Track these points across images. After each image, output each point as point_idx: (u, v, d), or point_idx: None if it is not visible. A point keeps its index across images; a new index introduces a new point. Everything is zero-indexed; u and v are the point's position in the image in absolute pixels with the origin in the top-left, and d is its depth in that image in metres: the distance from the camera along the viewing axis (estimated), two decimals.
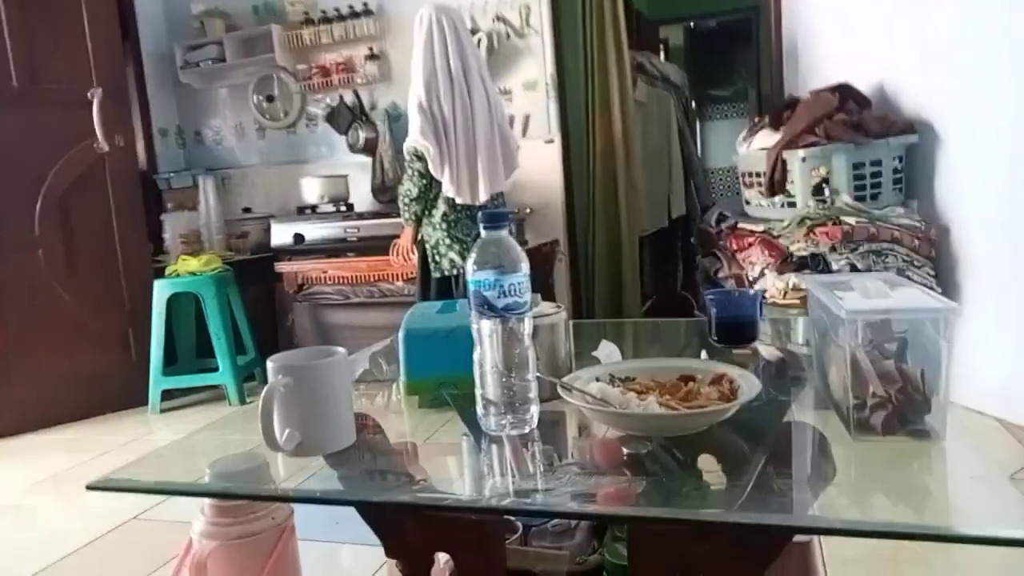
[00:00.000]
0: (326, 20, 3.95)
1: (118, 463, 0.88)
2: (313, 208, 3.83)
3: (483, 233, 0.91)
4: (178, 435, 3.02)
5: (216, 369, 3.32)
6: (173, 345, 3.48)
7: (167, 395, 3.34)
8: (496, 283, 0.88)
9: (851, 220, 2.52)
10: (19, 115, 3.15)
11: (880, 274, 0.96)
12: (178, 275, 3.34)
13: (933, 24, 2.62)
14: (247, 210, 4.18)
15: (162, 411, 3.30)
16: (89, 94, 3.28)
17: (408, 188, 2.70)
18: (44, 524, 2.25)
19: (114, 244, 3.40)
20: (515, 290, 0.89)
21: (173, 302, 3.32)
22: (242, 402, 3.31)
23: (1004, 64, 2.35)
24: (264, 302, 3.69)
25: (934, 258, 2.57)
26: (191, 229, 3.78)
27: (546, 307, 1.07)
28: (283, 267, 3.62)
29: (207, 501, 1.16)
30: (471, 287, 0.90)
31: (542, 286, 3.48)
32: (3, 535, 2.20)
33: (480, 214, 0.91)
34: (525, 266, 0.90)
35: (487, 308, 0.89)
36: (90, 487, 0.83)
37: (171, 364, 3.41)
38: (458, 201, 2.71)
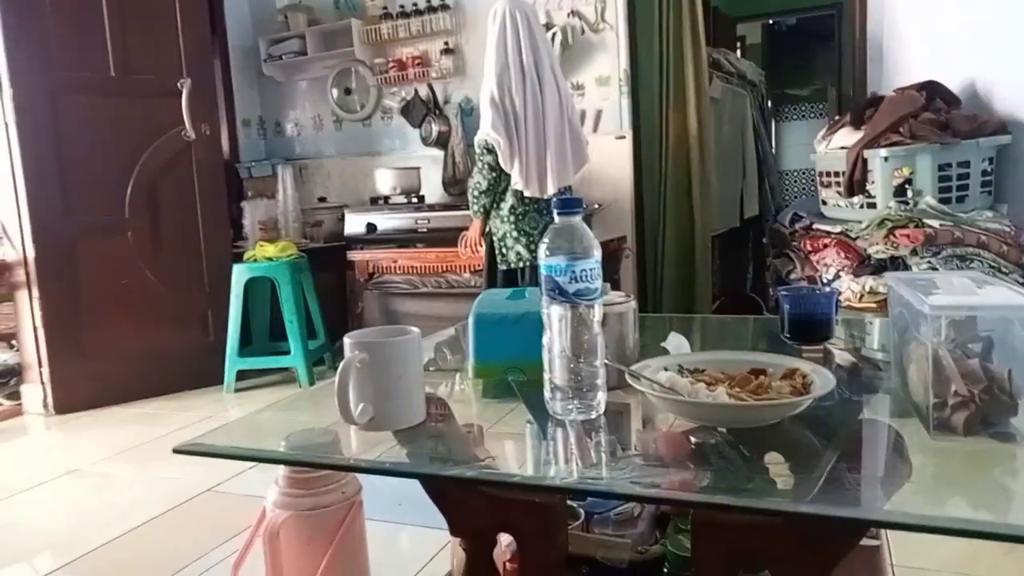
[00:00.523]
0: (404, 15, 4.02)
1: (197, 436, 0.93)
2: (386, 199, 3.91)
3: (556, 219, 0.92)
4: (249, 413, 3.16)
5: (288, 352, 3.44)
6: (248, 327, 3.61)
7: (241, 375, 3.47)
8: (568, 268, 0.89)
9: (934, 223, 2.42)
10: (114, 103, 3.33)
11: (967, 272, 0.93)
12: (256, 260, 3.46)
13: None
14: (322, 199, 4.30)
15: (236, 391, 3.43)
16: (179, 84, 3.43)
17: (478, 181, 2.73)
18: (123, 492, 2.37)
19: (197, 229, 3.55)
20: (586, 276, 0.89)
21: (250, 286, 3.44)
22: (311, 384, 3.41)
23: None
24: (336, 289, 3.79)
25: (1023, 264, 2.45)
26: (269, 216, 3.91)
27: (615, 296, 1.07)
28: (355, 256, 3.71)
29: (282, 472, 1.21)
30: (542, 272, 0.91)
31: (608, 281, 3.46)
32: (85, 501, 2.33)
33: (554, 200, 0.92)
34: (597, 253, 0.90)
35: (558, 293, 0.90)
36: (177, 450, 0.87)
37: (246, 346, 3.54)
38: (526, 194, 2.73)
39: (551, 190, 2.75)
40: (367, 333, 0.96)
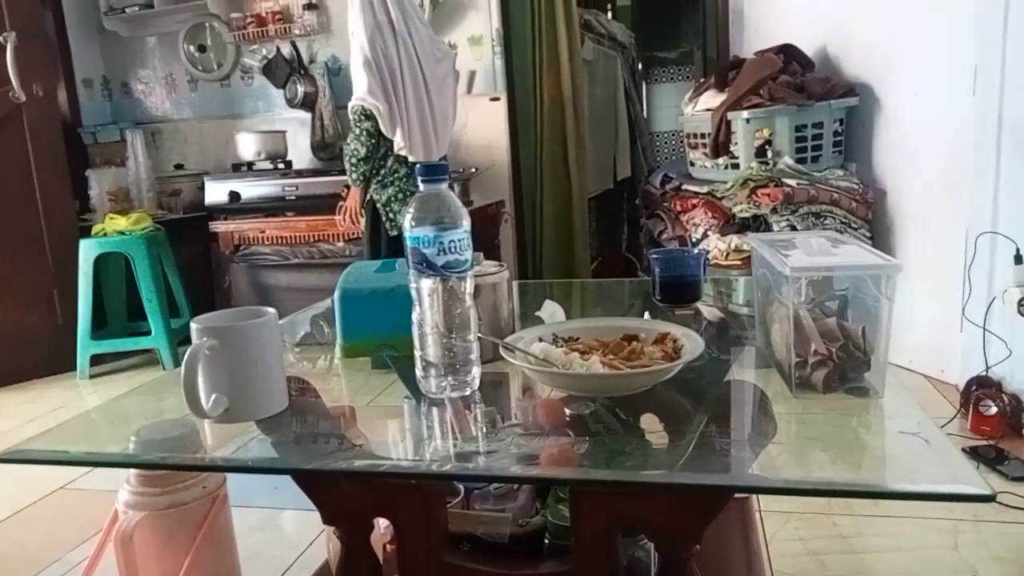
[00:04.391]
0: None
1: (45, 431, 0.83)
2: (249, 165, 3.68)
3: (421, 187, 0.87)
4: (107, 400, 2.93)
5: (148, 332, 3.20)
6: (102, 308, 3.33)
7: (96, 360, 3.21)
8: (436, 240, 0.84)
9: (792, 182, 2.55)
10: None
11: (823, 232, 0.96)
12: (106, 234, 3.18)
13: None
14: (179, 166, 4.00)
15: (91, 377, 3.17)
16: (2, 37, 3.06)
17: (355, 148, 2.60)
18: None
19: (35, 200, 3.21)
20: (455, 247, 0.85)
21: (101, 263, 3.17)
22: (176, 366, 3.20)
23: (940, 29, 2.38)
24: (199, 263, 3.55)
25: (870, 220, 2.63)
26: (119, 186, 3.60)
27: (488, 266, 1.04)
28: (218, 227, 3.48)
29: (133, 470, 1.11)
30: (409, 244, 0.86)
31: (488, 247, 3.44)
32: None
33: (418, 167, 0.86)
34: (466, 222, 0.86)
35: (426, 266, 0.85)
36: (1, 459, 0.77)
37: (100, 328, 3.27)
38: (410, 159, 2.64)
39: (437, 155, 2.69)
40: (217, 316, 0.88)
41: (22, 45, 3.10)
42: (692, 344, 0.89)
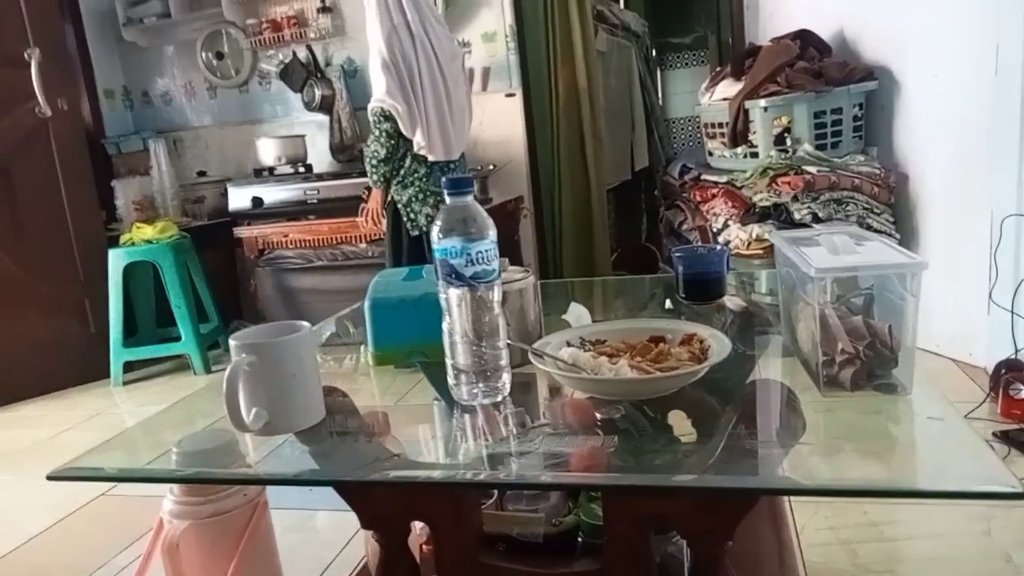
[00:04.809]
0: None
1: (81, 439, 0.87)
2: (270, 170, 3.73)
3: (447, 200, 0.88)
4: (142, 407, 2.98)
5: (178, 338, 3.26)
6: (132, 315, 3.40)
7: (129, 367, 3.28)
8: (463, 251, 0.86)
9: (812, 169, 2.54)
10: None
11: (845, 227, 0.97)
12: (133, 243, 3.24)
13: None
14: (202, 173, 4.06)
15: (124, 383, 3.24)
16: (26, 55, 3.12)
17: (375, 150, 2.63)
18: (8, 504, 2.20)
19: (63, 212, 3.28)
20: (483, 258, 0.87)
21: (130, 271, 3.23)
22: (207, 371, 3.26)
23: (958, 8, 2.35)
24: (225, 268, 3.61)
25: (893, 205, 2.61)
26: (144, 195, 3.66)
27: (514, 272, 1.06)
28: (242, 232, 3.53)
29: None
30: (437, 256, 0.88)
31: (507, 244, 3.45)
32: None
33: (444, 180, 0.88)
34: (492, 233, 0.88)
35: (455, 277, 0.87)
36: (51, 477, 0.80)
37: (131, 335, 3.33)
38: (430, 158, 2.66)
39: (457, 153, 2.72)
40: (255, 332, 0.91)
41: (45, 60, 3.16)
42: (719, 345, 0.90)
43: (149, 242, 3.23)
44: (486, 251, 0.87)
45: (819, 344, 0.81)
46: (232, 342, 0.85)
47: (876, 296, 0.85)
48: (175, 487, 1.14)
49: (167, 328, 3.41)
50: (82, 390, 3.22)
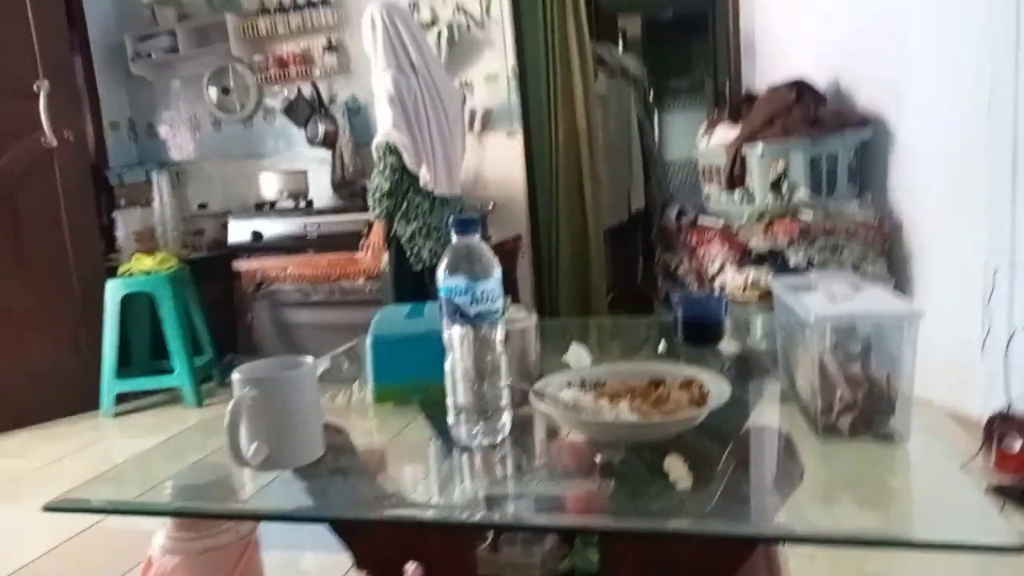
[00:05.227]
0: (282, 10, 3.87)
1: (72, 470, 0.86)
2: (272, 204, 3.76)
3: (454, 239, 0.90)
4: (132, 439, 2.96)
5: (171, 371, 3.25)
6: (127, 346, 3.39)
7: (121, 398, 3.26)
8: (468, 290, 0.87)
9: (808, 215, 2.57)
10: None
11: (843, 275, 0.98)
12: (132, 274, 3.25)
13: (883, 20, 2.68)
14: (203, 206, 4.09)
15: (116, 415, 3.21)
16: (35, 86, 3.16)
17: (379, 183, 2.65)
18: None
19: (64, 242, 3.29)
20: (487, 297, 0.88)
21: (127, 302, 3.23)
22: (199, 404, 3.24)
23: (950, 58, 2.41)
24: (222, 301, 3.61)
25: (888, 252, 2.64)
26: (145, 226, 3.68)
27: (515, 312, 1.07)
28: (241, 265, 3.55)
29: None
30: (442, 294, 0.89)
31: (506, 282, 3.46)
32: None
33: (451, 220, 0.90)
34: (497, 272, 0.89)
35: (459, 315, 0.88)
36: (47, 508, 0.80)
37: (124, 366, 3.32)
38: (436, 192, 2.69)
39: (459, 188, 2.78)
40: (257, 367, 0.91)
41: (54, 92, 3.20)
42: (718, 390, 0.91)
43: (147, 273, 3.24)
44: (491, 290, 0.88)
45: (818, 391, 0.82)
46: (235, 375, 0.86)
47: (873, 344, 0.86)
48: (168, 522, 1.13)
49: (161, 360, 3.40)
50: (73, 421, 3.20)
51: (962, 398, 2.38)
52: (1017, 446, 1.87)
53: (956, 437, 2.22)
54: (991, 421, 2.02)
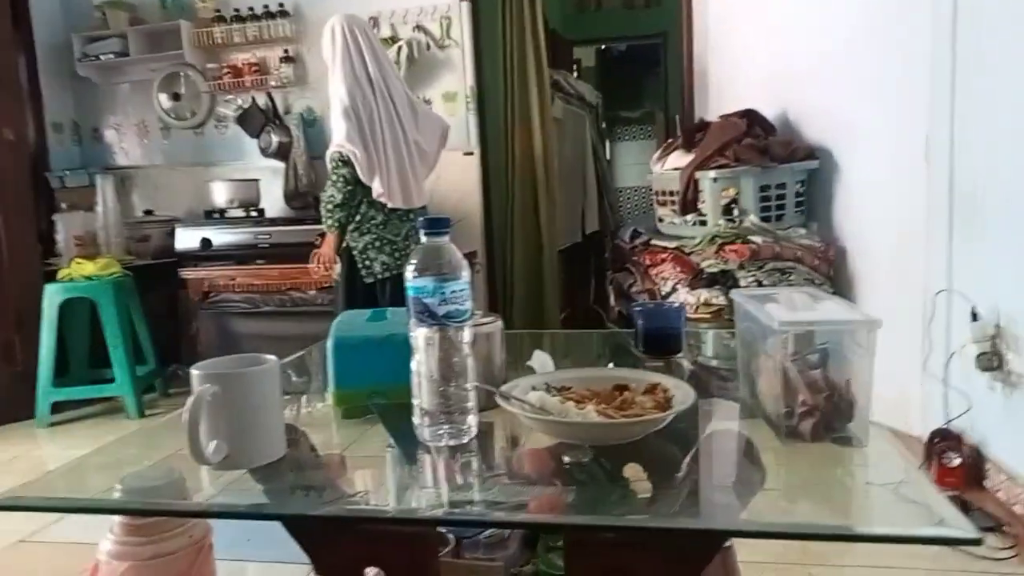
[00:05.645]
0: (239, 19, 3.82)
1: (2, 481, 0.82)
2: (221, 212, 3.68)
3: (424, 239, 0.90)
4: (68, 450, 2.84)
5: (111, 380, 3.13)
6: (64, 354, 3.26)
7: (57, 407, 3.12)
8: (437, 290, 0.87)
9: (758, 239, 2.64)
10: None
11: (803, 288, 1.01)
12: (72, 279, 3.13)
13: (831, 57, 2.80)
14: (148, 212, 3.98)
15: (51, 425, 3.07)
16: None
17: (331, 194, 2.63)
18: None
19: (0, 244, 3.15)
20: (456, 298, 0.88)
21: (65, 308, 3.11)
22: (141, 415, 3.13)
23: (894, 98, 2.53)
24: (166, 310, 3.51)
25: (832, 276, 2.72)
26: (87, 231, 3.55)
27: (481, 316, 1.06)
28: (188, 273, 3.46)
29: (116, 519, 1.08)
30: (410, 294, 0.88)
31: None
32: None
33: (421, 220, 0.90)
34: (466, 274, 0.89)
35: (427, 315, 0.87)
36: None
37: (61, 374, 3.18)
38: (389, 205, 2.67)
39: (417, 202, 2.74)
40: (218, 363, 0.89)
41: None
42: (683, 394, 0.92)
43: (89, 279, 3.12)
44: (460, 291, 0.88)
45: (780, 396, 0.84)
46: (194, 371, 0.83)
47: (833, 351, 0.89)
48: (115, 527, 1.08)
49: (101, 369, 3.27)
50: (5, 429, 3.05)
51: (905, 418, 2.46)
52: (956, 461, 1.94)
53: (902, 451, 2.29)
54: (931, 437, 2.10)
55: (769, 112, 3.04)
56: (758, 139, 2.92)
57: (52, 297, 3.06)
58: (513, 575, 0.98)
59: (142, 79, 4.05)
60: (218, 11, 3.85)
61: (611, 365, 1.27)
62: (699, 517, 0.76)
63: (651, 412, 0.90)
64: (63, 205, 3.77)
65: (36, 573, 1.85)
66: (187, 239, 3.49)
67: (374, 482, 0.95)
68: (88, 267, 3.16)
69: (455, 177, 3.65)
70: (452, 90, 3.76)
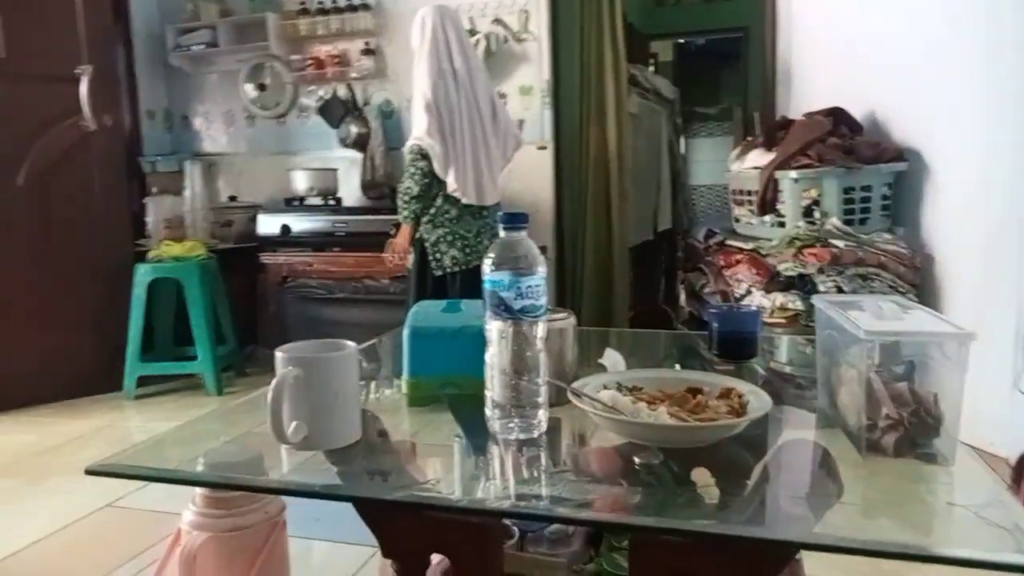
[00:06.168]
0: (323, 12, 3.92)
1: (91, 448, 0.87)
2: (301, 200, 3.79)
3: (502, 233, 0.90)
4: (151, 422, 2.99)
5: (194, 357, 3.27)
6: (151, 331, 3.42)
7: (142, 381, 3.28)
8: (513, 284, 0.88)
9: (839, 243, 2.55)
10: (3, 86, 3.09)
11: (890, 296, 0.97)
12: (161, 260, 3.28)
13: (920, 54, 2.67)
14: (233, 198, 4.13)
15: (136, 398, 3.24)
16: (77, 72, 3.22)
17: (408, 186, 2.67)
18: (12, 509, 2.19)
19: (95, 225, 3.34)
20: (532, 293, 0.88)
21: (153, 287, 3.27)
22: (219, 392, 3.26)
23: (986, 98, 2.40)
24: (246, 293, 3.64)
25: (918, 285, 2.61)
26: (175, 214, 3.72)
27: (555, 312, 1.07)
28: (268, 258, 3.58)
29: (198, 491, 1.14)
30: (487, 287, 0.89)
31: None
32: None
33: (500, 214, 0.90)
34: (542, 269, 0.90)
35: (503, 309, 0.88)
36: (90, 471, 0.80)
37: (148, 350, 3.35)
38: (463, 201, 2.70)
39: (490, 200, 2.75)
40: (300, 347, 0.92)
41: (96, 78, 3.26)
42: (758, 400, 0.90)
43: (176, 259, 3.27)
44: (536, 286, 0.88)
45: (863, 408, 0.81)
46: (278, 354, 0.86)
47: (920, 364, 0.86)
48: (197, 498, 1.14)
49: (184, 347, 3.42)
50: (94, 400, 3.23)
51: (990, 438, 2.34)
52: None
53: (989, 472, 2.18)
54: (1021, 459, 1.99)
55: (856, 111, 2.93)
56: (844, 139, 2.82)
57: (142, 276, 3.22)
58: (575, 572, 0.99)
59: (230, 69, 4.20)
60: (303, 4, 3.95)
61: (677, 367, 1.25)
62: (771, 526, 0.74)
63: (726, 417, 0.88)
64: (154, 189, 3.95)
65: (122, 535, 1.95)
66: (268, 225, 3.61)
67: (443, 470, 0.96)
68: (176, 249, 3.30)
69: (528, 171, 3.66)
70: (528, 83, 3.77)
